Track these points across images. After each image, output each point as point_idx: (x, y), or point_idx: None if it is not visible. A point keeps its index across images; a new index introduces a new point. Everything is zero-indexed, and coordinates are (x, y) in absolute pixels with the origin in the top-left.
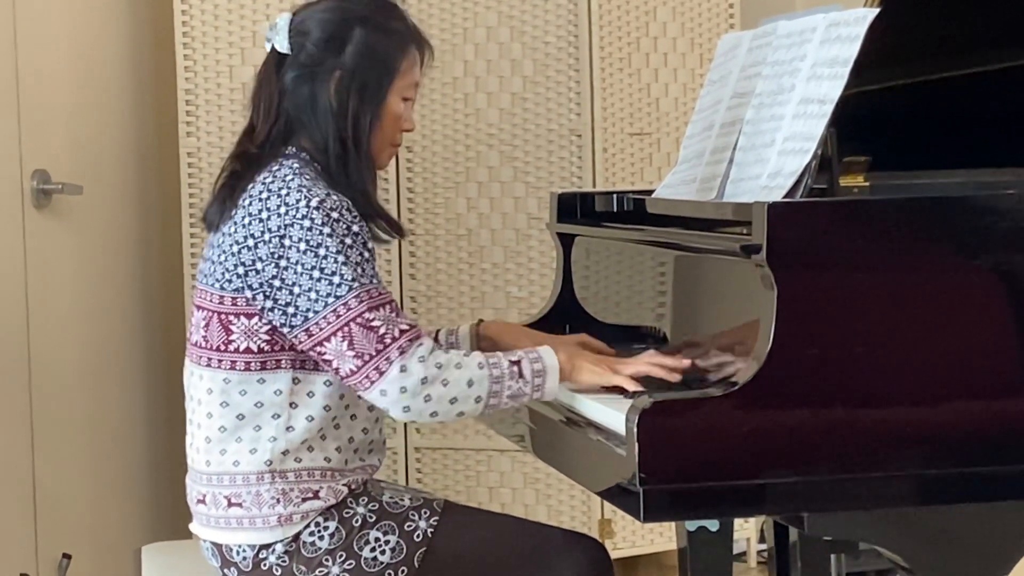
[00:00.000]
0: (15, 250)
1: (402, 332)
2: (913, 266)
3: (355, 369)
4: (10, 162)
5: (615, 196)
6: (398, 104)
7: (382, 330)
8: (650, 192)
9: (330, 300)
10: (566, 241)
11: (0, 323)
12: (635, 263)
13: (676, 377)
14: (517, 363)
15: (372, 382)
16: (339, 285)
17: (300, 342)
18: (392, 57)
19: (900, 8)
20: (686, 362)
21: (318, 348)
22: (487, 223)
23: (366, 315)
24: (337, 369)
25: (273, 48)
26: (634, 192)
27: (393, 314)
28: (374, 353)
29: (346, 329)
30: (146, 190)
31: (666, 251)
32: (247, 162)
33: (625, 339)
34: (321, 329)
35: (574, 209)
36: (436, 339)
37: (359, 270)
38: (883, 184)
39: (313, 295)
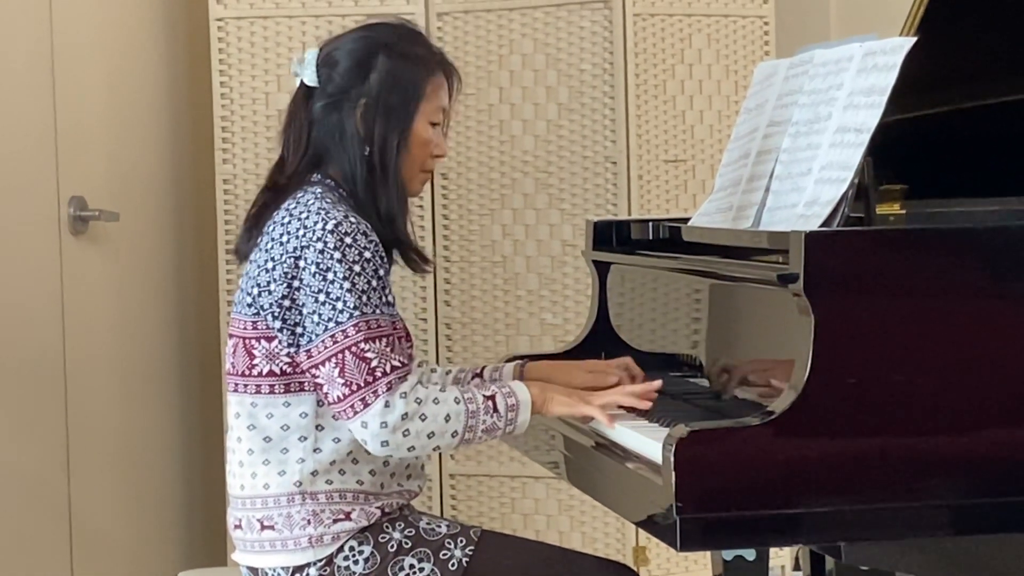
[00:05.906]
0: (52, 276)
1: (393, 368)
2: (950, 295)
3: (342, 397)
4: (47, 189)
5: (651, 224)
6: (426, 129)
7: (374, 363)
8: (685, 220)
9: (330, 325)
10: (602, 269)
11: (37, 349)
12: (671, 291)
13: (646, 405)
14: (491, 398)
15: (356, 412)
16: (341, 311)
17: (301, 362)
18: (416, 81)
19: (937, 37)
20: (656, 383)
21: (313, 370)
22: (522, 250)
23: (361, 345)
24: (327, 394)
25: (302, 82)
26: (669, 220)
27: (388, 348)
28: (362, 384)
29: (340, 356)
30: (182, 217)
31: (702, 279)
32: (276, 193)
33: (660, 367)
34: (319, 352)
35: (610, 237)
36: (480, 374)
37: (363, 298)
38: (920, 212)
39: (316, 318)
